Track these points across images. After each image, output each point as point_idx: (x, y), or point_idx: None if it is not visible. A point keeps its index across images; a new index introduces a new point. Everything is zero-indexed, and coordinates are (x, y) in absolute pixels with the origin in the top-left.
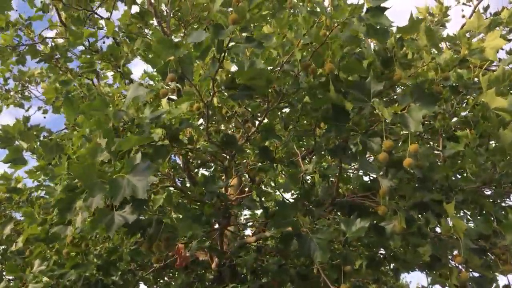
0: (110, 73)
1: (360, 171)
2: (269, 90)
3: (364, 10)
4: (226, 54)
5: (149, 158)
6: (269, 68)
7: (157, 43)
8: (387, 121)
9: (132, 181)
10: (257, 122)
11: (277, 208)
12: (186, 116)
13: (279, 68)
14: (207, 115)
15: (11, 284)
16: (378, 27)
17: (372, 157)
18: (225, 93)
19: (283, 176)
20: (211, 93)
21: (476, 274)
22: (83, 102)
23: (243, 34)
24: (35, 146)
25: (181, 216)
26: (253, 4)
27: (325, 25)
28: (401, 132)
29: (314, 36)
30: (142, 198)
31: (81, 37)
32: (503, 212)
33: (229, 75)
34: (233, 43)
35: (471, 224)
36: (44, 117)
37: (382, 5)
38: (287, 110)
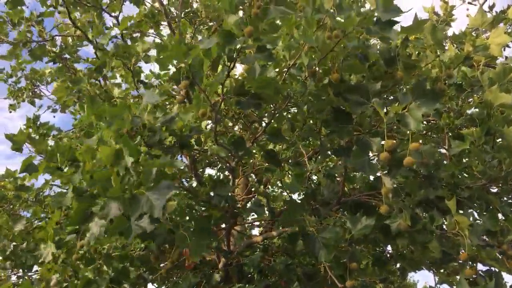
0: (118, 73)
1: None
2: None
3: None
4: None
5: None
6: (276, 70)
7: (171, 47)
8: (389, 120)
9: (150, 199)
10: (263, 123)
11: (286, 207)
12: (195, 123)
13: (286, 70)
14: (215, 119)
15: None
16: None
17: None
18: (234, 100)
19: (289, 176)
20: (220, 99)
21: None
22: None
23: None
24: (43, 148)
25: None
26: (269, 18)
27: (329, 28)
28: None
29: (321, 43)
30: (158, 216)
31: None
32: (510, 208)
33: (239, 82)
34: (244, 50)
35: (478, 222)
36: (54, 116)
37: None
38: (293, 110)
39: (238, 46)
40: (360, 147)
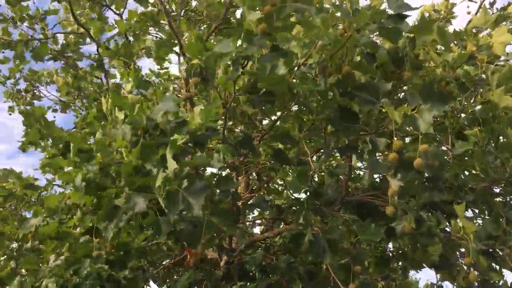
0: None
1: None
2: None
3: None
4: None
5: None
6: (287, 68)
7: (190, 44)
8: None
9: (187, 198)
10: (264, 121)
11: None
12: (211, 123)
13: (296, 69)
14: (226, 117)
15: (26, 279)
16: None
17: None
18: (246, 97)
19: (290, 174)
20: (232, 96)
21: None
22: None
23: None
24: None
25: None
26: (283, 15)
27: (343, 27)
28: (408, 128)
29: (333, 39)
30: (197, 215)
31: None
32: None
33: (251, 80)
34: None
35: (480, 221)
36: (54, 117)
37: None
38: (295, 108)
39: (256, 47)
40: (372, 147)
